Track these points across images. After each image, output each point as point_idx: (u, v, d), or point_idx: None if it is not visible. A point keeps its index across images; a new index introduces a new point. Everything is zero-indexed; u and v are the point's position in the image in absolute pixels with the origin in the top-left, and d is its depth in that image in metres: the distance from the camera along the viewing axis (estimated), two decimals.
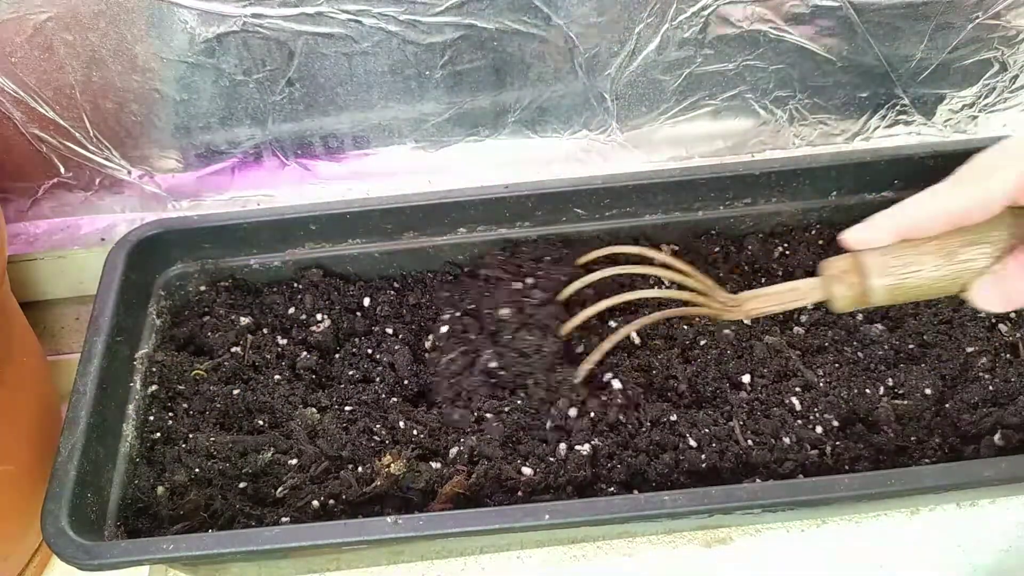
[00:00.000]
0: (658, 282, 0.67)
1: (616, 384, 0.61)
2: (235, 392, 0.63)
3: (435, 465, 0.58)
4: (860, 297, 0.51)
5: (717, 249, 0.71)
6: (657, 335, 0.66)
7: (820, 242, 0.71)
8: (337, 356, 0.66)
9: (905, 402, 0.61)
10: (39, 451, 0.61)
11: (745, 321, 0.64)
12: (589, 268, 0.65)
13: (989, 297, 0.48)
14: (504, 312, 0.63)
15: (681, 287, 0.59)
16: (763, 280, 0.69)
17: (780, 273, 0.69)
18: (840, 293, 0.52)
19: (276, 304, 0.69)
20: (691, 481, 0.57)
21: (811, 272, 0.68)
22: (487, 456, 0.58)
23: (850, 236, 0.50)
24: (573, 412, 0.60)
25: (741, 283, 0.69)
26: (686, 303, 0.58)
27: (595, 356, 0.60)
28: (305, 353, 0.66)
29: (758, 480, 0.56)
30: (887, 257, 0.49)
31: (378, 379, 0.64)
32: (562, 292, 0.64)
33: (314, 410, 0.61)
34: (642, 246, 0.65)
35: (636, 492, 0.56)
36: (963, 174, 0.47)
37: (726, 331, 0.65)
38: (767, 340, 0.64)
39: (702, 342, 0.65)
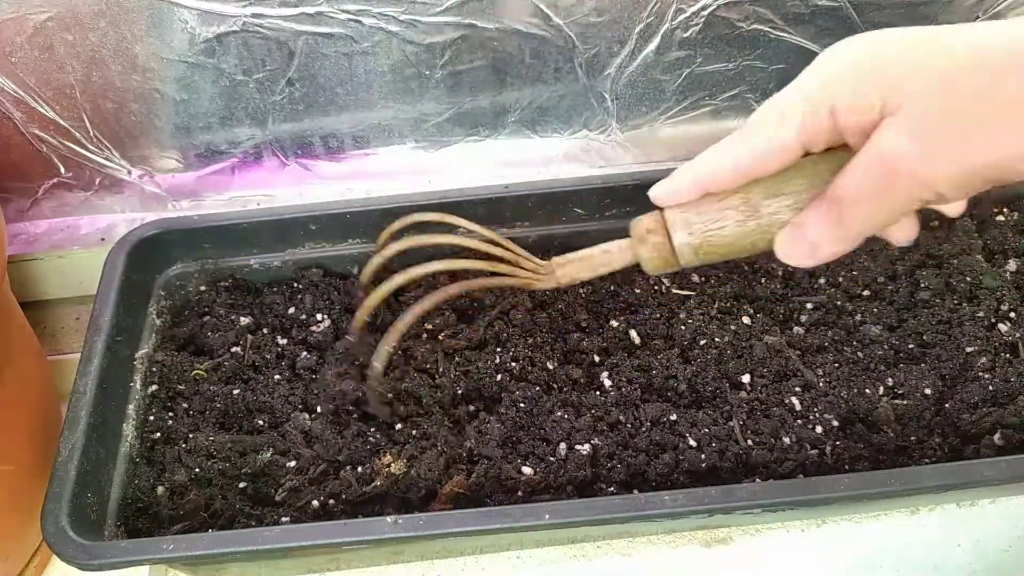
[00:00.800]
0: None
1: (607, 383, 0.61)
2: (235, 392, 0.63)
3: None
4: (668, 257, 0.47)
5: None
6: (657, 335, 0.66)
7: None
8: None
9: (905, 402, 0.61)
10: (39, 451, 0.61)
11: (559, 287, 0.58)
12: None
13: (791, 251, 0.44)
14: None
15: (483, 256, 0.54)
16: (763, 280, 0.69)
17: (780, 273, 0.69)
18: (647, 254, 0.48)
19: (276, 304, 0.69)
20: (691, 481, 0.57)
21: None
22: (487, 456, 0.58)
23: (653, 192, 0.46)
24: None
25: (741, 283, 0.69)
26: (491, 273, 0.54)
27: (388, 340, 0.54)
28: (305, 353, 0.66)
29: (758, 480, 0.56)
30: (689, 213, 0.46)
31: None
32: (362, 276, 0.59)
33: (307, 415, 0.61)
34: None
35: (636, 492, 0.56)
36: (753, 121, 0.43)
37: (732, 327, 0.65)
38: (767, 340, 0.64)
39: (702, 342, 0.65)
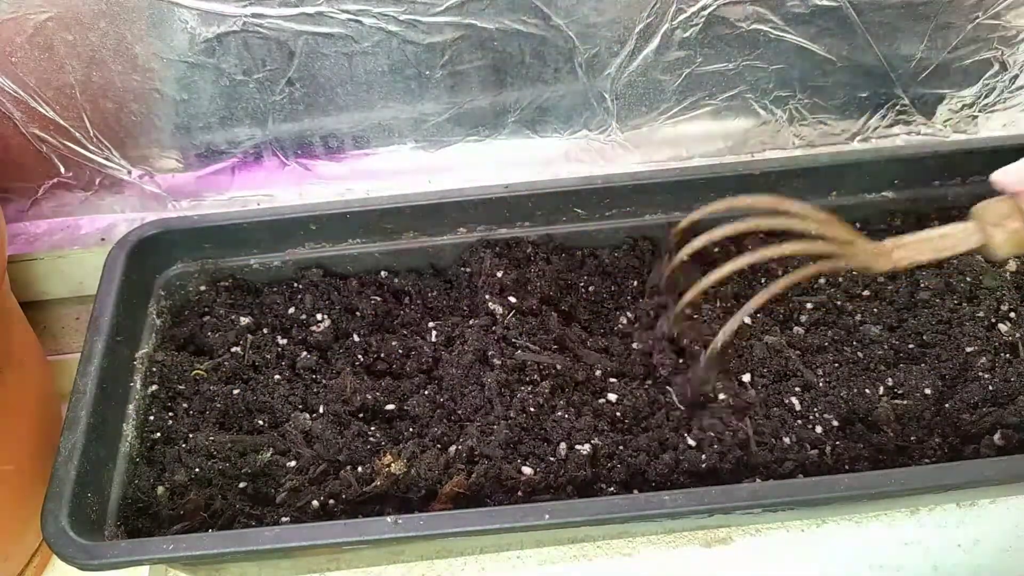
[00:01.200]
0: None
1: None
2: (235, 392, 0.63)
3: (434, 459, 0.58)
4: (1023, 243, 0.49)
5: (717, 249, 0.71)
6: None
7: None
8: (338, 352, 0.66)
9: (905, 402, 0.61)
10: (39, 451, 0.61)
11: (894, 271, 0.58)
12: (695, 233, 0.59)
13: None
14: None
15: (819, 238, 0.54)
16: (763, 281, 0.69)
17: (780, 273, 0.69)
18: (1001, 239, 0.49)
19: (276, 304, 0.69)
20: (691, 481, 0.57)
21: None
22: (487, 456, 0.58)
23: (1003, 177, 0.47)
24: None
25: (741, 283, 0.69)
26: (830, 255, 0.54)
27: (751, 306, 0.54)
28: (305, 353, 0.66)
29: (758, 480, 0.56)
30: None
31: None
32: (677, 255, 0.59)
33: (307, 416, 0.61)
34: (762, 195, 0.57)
35: (636, 492, 0.56)
36: None
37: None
38: (767, 340, 0.64)
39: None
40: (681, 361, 0.62)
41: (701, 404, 0.59)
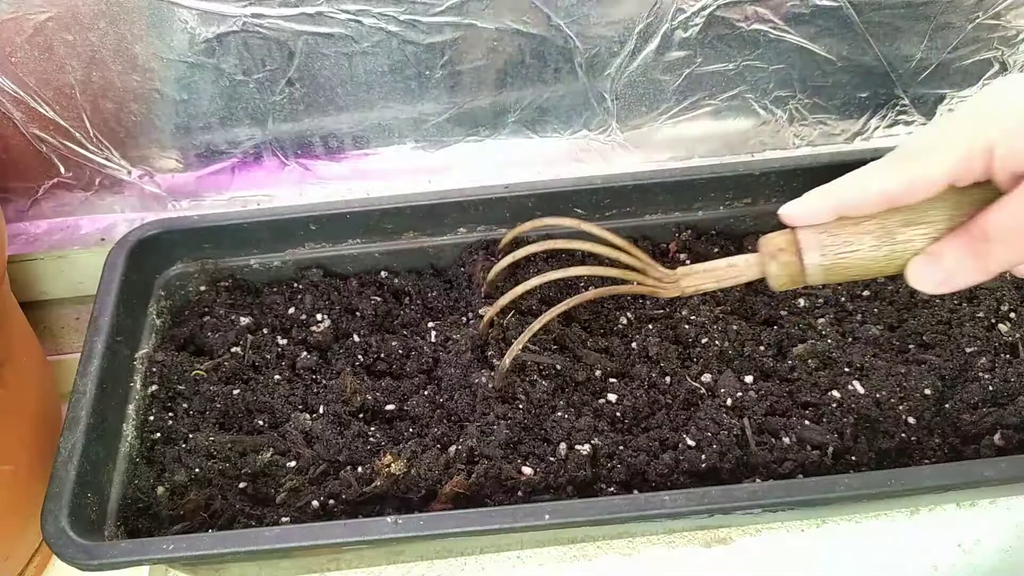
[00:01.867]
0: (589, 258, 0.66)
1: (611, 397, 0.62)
2: (235, 392, 0.63)
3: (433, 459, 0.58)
4: (796, 276, 0.49)
5: (717, 249, 0.71)
6: (660, 335, 0.65)
7: None
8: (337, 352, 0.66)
9: (905, 402, 0.61)
10: (39, 451, 0.61)
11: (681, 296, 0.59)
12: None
13: (924, 279, 0.46)
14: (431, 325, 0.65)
15: (612, 263, 0.57)
16: (761, 280, 0.69)
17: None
18: (775, 271, 0.50)
19: (276, 304, 0.69)
20: (691, 481, 0.57)
21: None
22: (487, 456, 0.58)
23: (787, 211, 0.48)
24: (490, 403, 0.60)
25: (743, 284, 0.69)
26: (619, 280, 0.56)
27: (520, 341, 0.58)
28: (305, 353, 0.66)
29: (758, 480, 0.56)
30: (823, 235, 0.47)
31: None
32: (486, 276, 0.63)
33: (307, 416, 0.61)
34: (574, 218, 0.61)
35: (636, 492, 0.56)
36: (902, 152, 0.45)
37: (735, 327, 0.65)
38: (767, 339, 0.64)
39: (703, 340, 0.65)
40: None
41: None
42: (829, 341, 0.64)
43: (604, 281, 0.64)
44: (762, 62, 0.73)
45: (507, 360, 0.59)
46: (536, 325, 0.57)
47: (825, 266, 0.48)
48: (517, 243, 0.66)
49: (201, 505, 0.57)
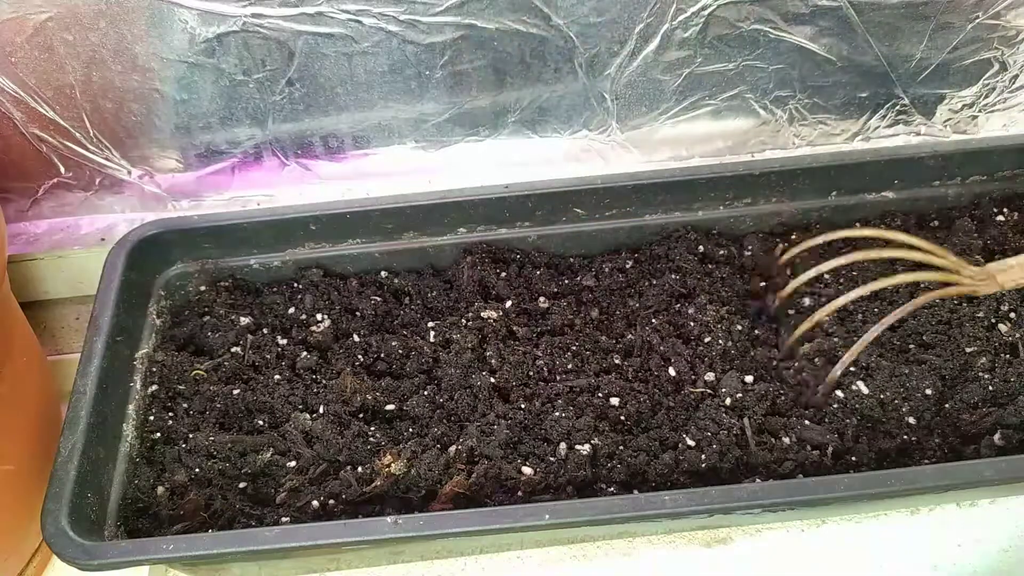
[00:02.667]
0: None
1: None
2: (235, 392, 0.63)
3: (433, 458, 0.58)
4: None
5: (723, 252, 0.71)
6: (664, 335, 0.66)
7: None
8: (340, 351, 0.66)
9: (906, 402, 0.61)
10: (39, 451, 0.61)
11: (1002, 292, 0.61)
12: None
13: None
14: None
15: (925, 266, 0.57)
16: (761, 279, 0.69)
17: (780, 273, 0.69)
18: None
19: (276, 304, 0.69)
20: (691, 481, 0.57)
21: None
22: (487, 456, 0.58)
23: None
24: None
25: (743, 285, 0.69)
26: (941, 284, 0.56)
27: (855, 350, 0.58)
28: (305, 353, 0.66)
29: (758, 480, 0.56)
30: None
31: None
32: (782, 291, 0.64)
33: (307, 416, 0.61)
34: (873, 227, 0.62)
35: (636, 492, 0.56)
36: None
37: (738, 327, 0.65)
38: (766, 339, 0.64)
39: (706, 339, 0.65)
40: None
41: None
42: (835, 339, 0.64)
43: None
44: (762, 62, 0.73)
45: (837, 371, 0.59)
46: (871, 335, 0.58)
47: None
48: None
49: (201, 505, 0.57)
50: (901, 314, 0.57)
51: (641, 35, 0.70)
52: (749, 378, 0.62)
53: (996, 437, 0.58)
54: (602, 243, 0.72)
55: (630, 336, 0.66)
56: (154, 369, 0.64)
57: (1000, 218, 0.72)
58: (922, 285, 0.61)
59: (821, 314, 0.60)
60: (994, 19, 0.71)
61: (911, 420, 0.60)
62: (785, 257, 0.66)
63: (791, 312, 0.66)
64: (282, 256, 0.71)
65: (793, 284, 0.62)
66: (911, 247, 0.58)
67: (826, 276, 0.67)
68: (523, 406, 0.61)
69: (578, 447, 0.58)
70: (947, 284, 0.57)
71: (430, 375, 0.65)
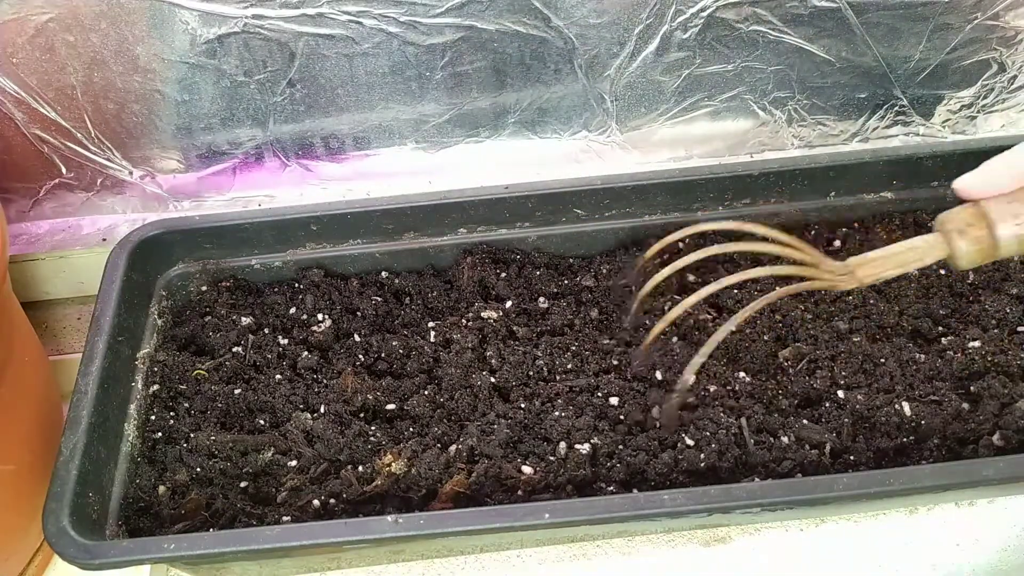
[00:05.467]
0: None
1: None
2: (236, 392, 0.63)
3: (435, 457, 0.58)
4: (988, 250, 0.48)
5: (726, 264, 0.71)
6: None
7: (819, 242, 0.71)
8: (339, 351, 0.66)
9: (904, 402, 0.61)
10: (40, 450, 0.61)
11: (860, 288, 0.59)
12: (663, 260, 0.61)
13: None
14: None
15: (779, 260, 0.55)
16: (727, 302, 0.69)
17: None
18: (965, 248, 0.48)
19: (277, 304, 0.69)
20: (690, 480, 0.57)
21: None
22: (487, 455, 0.58)
23: (964, 183, 0.46)
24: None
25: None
26: (798, 278, 0.54)
27: (704, 353, 0.55)
28: (306, 353, 0.66)
29: (757, 479, 0.57)
30: (1013, 204, 0.46)
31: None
32: (641, 290, 0.60)
33: (308, 415, 0.61)
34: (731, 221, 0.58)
35: (636, 492, 0.56)
36: None
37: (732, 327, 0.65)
38: (766, 338, 0.64)
39: (700, 337, 0.65)
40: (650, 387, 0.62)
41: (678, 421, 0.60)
42: (846, 341, 0.64)
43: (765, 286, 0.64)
44: (761, 63, 0.73)
45: (688, 376, 0.57)
46: (719, 335, 0.55)
47: (1020, 235, 0.47)
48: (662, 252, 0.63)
49: (202, 504, 0.57)
50: (749, 312, 0.54)
51: (641, 36, 0.70)
52: (747, 376, 0.62)
53: (996, 437, 0.58)
54: (602, 243, 0.72)
55: (629, 337, 0.66)
56: (155, 369, 0.65)
57: None
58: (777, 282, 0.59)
59: (662, 324, 0.57)
60: (993, 20, 0.71)
61: (909, 418, 0.60)
62: (648, 255, 0.63)
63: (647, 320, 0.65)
64: (283, 256, 0.71)
65: (647, 287, 0.59)
66: (769, 240, 0.55)
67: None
68: (523, 406, 0.61)
69: (578, 446, 0.58)
70: (803, 279, 0.54)
71: (430, 375, 0.65)
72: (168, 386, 0.64)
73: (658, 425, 0.59)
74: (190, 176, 0.77)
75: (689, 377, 0.57)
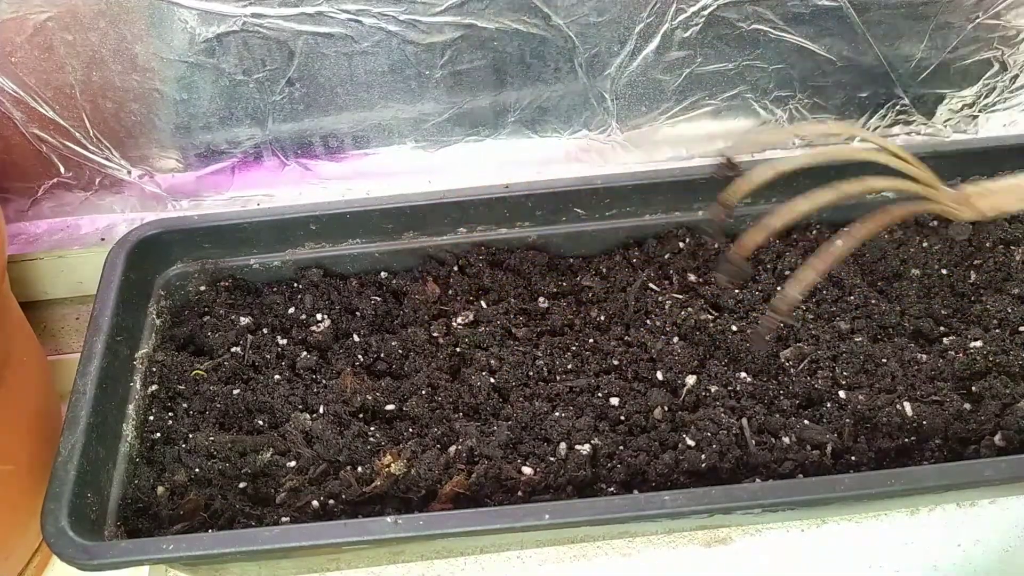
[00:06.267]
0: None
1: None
2: (235, 392, 0.63)
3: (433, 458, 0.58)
4: None
5: (717, 248, 0.71)
6: (659, 332, 0.65)
7: (820, 241, 0.71)
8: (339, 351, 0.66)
9: (906, 402, 0.61)
10: (39, 451, 0.61)
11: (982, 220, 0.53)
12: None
13: None
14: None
15: (898, 176, 0.49)
16: (761, 278, 0.69)
17: (776, 268, 0.69)
18: None
19: (276, 304, 0.69)
20: (691, 481, 0.57)
21: None
22: (487, 456, 0.58)
23: None
24: None
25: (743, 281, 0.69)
26: (915, 197, 0.49)
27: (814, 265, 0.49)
28: (305, 353, 0.66)
29: (758, 480, 0.56)
30: None
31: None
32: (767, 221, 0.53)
33: (307, 416, 0.61)
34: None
35: (636, 492, 0.56)
36: None
37: (733, 327, 0.65)
38: (767, 339, 0.64)
39: (701, 338, 0.65)
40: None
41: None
42: (847, 341, 0.64)
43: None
44: (762, 62, 0.73)
45: (794, 291, 0.50)
46: (834, 251, 0.49)
47: None
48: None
49: (201, 505, 0.57)
50: (873, 227, 0.49)
51: (641, 35, 0.70)
52: (748, 376, 0.62)
53: (996, 437, 0.58)
54: (602, 243, 0.72)
55: (629, 337, 0.66)
56: (154, 369, 0.64)
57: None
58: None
59: (762, 232, 0.52)
60: (994, 19, 0.71)
61: (911, 419, 0.60)
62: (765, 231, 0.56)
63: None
64: (282, 256, 0.71)
65: (774, 225, 0.52)
66: (886, 152, 0.50)
67: (691, 277, 0.65)
68: (523, 406, 0.61)
69: (578, 447, 0.58)
70: (921, 198, 0.50)
71: (430, 375, 0.64)
72: (167, 386, 0.64)
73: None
74: (189, 175, 0.77)
75: (793, 292, 0.50)
